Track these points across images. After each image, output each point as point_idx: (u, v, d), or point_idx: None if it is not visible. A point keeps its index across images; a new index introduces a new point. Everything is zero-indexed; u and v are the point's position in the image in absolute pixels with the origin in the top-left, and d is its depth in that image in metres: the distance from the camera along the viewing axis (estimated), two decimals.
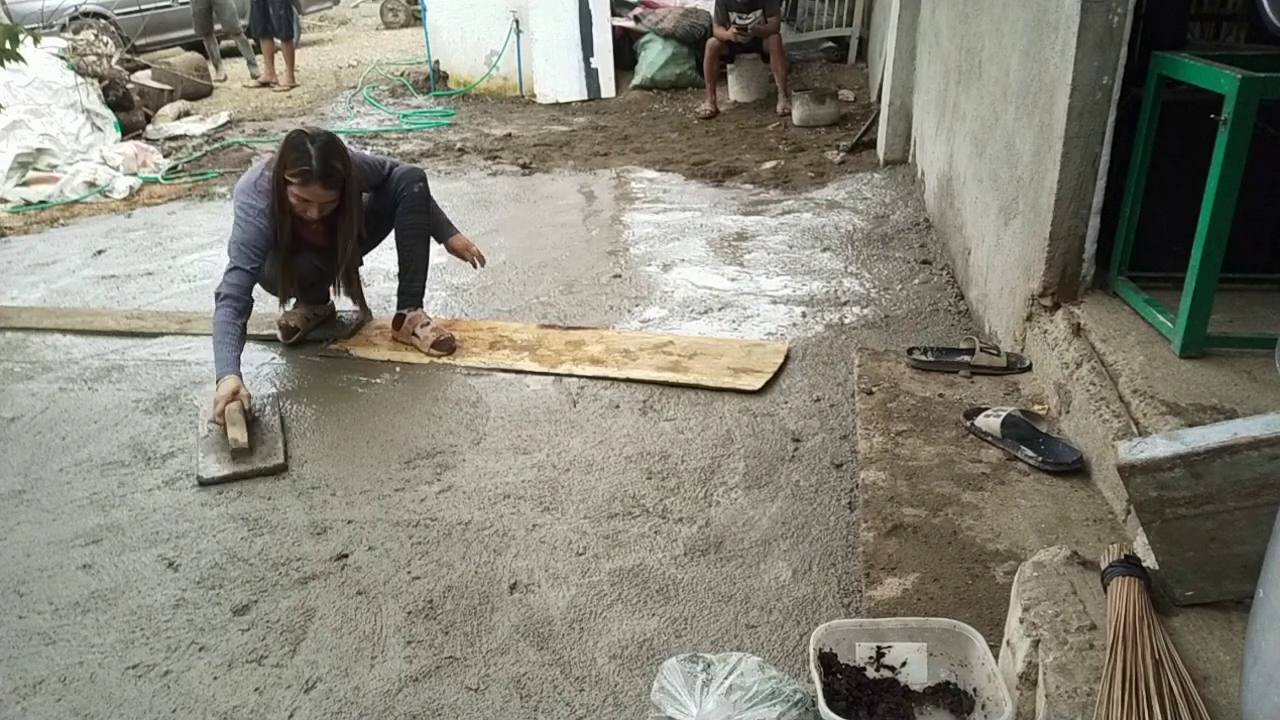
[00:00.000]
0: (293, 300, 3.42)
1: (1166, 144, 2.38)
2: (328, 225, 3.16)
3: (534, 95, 8.11)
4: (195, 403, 3.03)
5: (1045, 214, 2.53)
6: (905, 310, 3.49)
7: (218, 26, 9.69)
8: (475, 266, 3.54)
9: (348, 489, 2.55)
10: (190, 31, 9.97)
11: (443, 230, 3.52)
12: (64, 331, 3.69)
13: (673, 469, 2.56)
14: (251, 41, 9.66)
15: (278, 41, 8.98)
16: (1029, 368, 2.71)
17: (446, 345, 3.29)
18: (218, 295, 2.94)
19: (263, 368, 3.29)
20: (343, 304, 3.61)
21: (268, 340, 3.45)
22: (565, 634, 1.98)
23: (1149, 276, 2.50)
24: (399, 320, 3.39)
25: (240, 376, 2.85)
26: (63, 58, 6.76)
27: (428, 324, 3.34)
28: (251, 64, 9.65)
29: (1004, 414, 2.34)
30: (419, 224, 3.38)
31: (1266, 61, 2.06)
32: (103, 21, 9.95)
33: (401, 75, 9.16)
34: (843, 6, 7.95)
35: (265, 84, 9.14)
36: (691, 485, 2.48)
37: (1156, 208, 2.46)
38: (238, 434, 2.67)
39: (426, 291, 3.47)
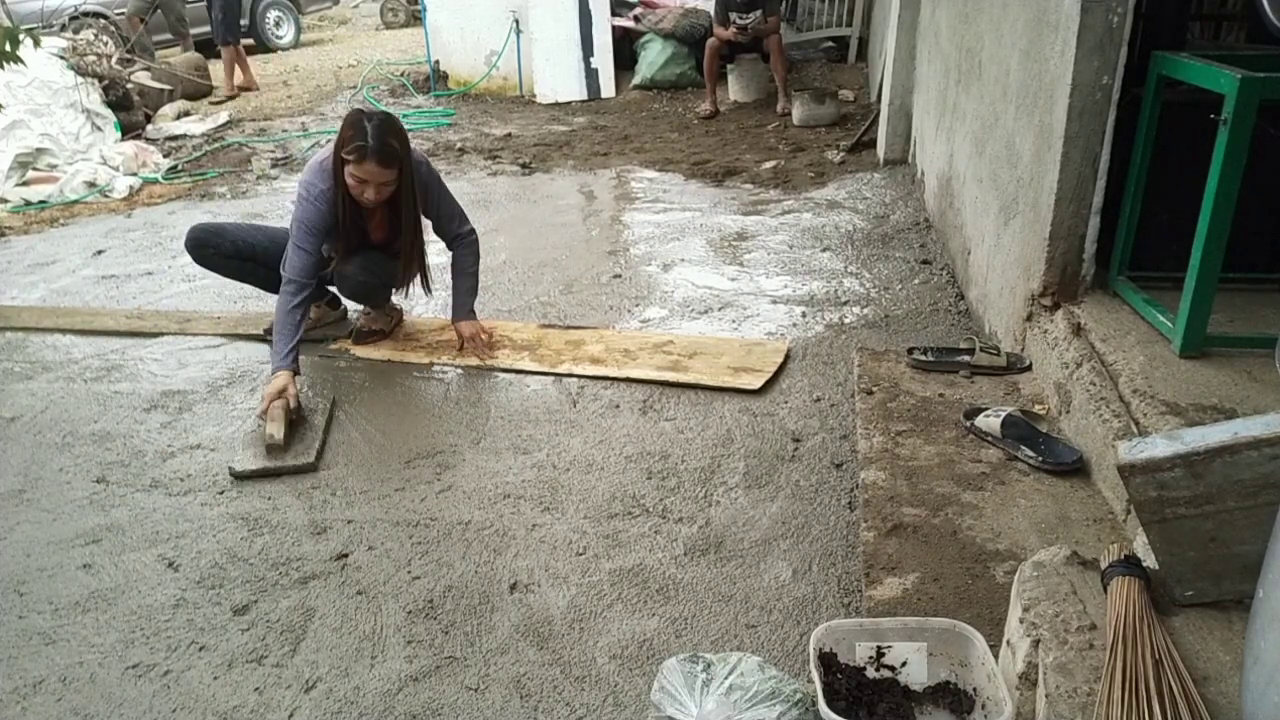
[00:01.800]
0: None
1: (1166, 144, 2.38)
2: (389, 217, 3.12)
3: (534, 95, 8.11)
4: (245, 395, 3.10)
5: (1045, 214, 2.53)
6: (905, 310, 3.49)
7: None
8: (479, 359, 3.28)
9: (348, 489, 2.55)
10: (200, 30, 9.94)
11: (454, 300, 3.41)
12: (64, 331, 3.69)
13: (673, 469, 2.56)
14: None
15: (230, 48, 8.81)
16: (1029, 368, 2.71)
17: (366, 336, 3.37)
18: (282, 278, 2.99)
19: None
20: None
21: (308, 340, 3.45)
22: (565, 634, 1.98)
23: (1149, 276, 2.50)
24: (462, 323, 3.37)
25: (293, 372, 2.87)
26: (63, 58, 6.76)
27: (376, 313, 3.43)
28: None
29: (1004, 414, 2.34)
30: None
31: (1266, 61, 2.06)
32: (102, 21, 9.96)
33: (401, 75, 9.15)
34: (843, 6, 7.95)
35: (230, 96, 8.78)
36: (691, 485, 2.48)
37: (1156, 208, 2.46)
38: (274, 430, 2.71)
39: (429, 290, 3.47)
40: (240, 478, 2.62)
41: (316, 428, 2.84)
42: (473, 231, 3.37)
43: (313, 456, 2.69)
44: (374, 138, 2.86)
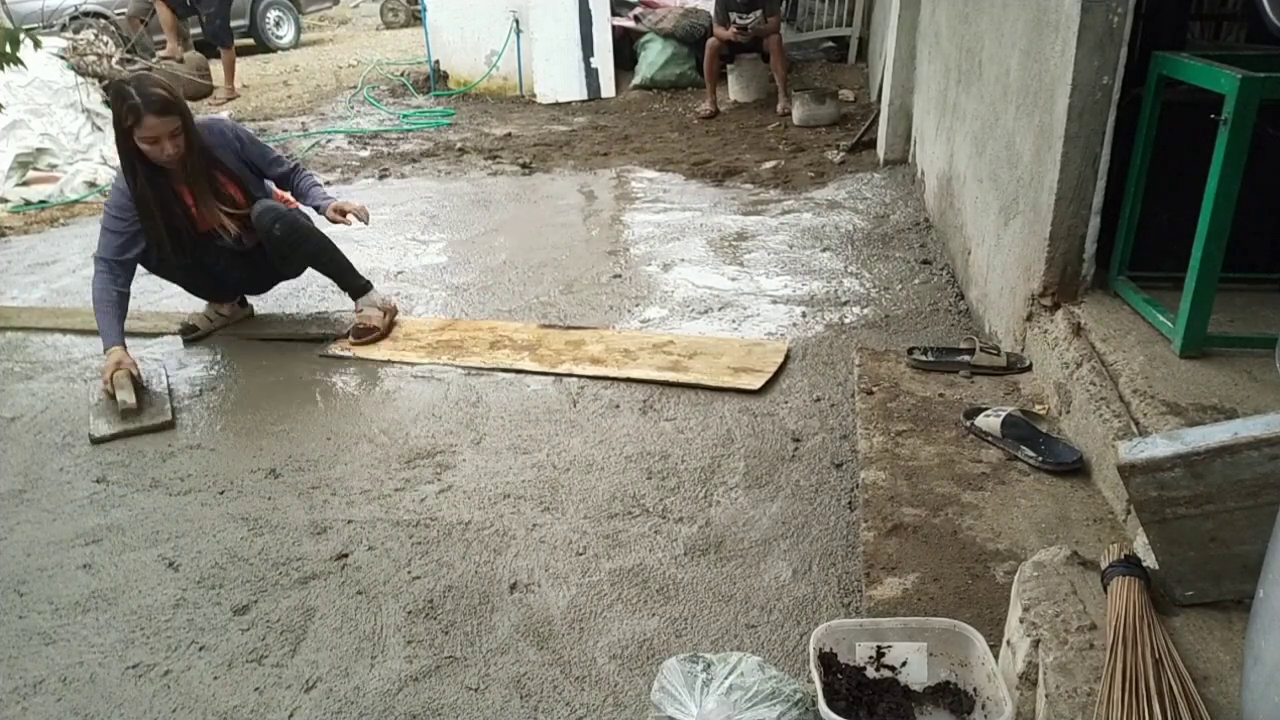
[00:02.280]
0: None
1: (1166, 144, 2.38)
2: (191, 182, 3.18)
3: (534, 95, 8.11)
4: (86, 380, 3.26)
5: (1045, 214, 2.53)
6: (905, 310, 3.49)
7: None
8: (361, 221, 3.39)
9: (348, 489, 2.55)
10: (196, 30, 9.92)
11: (316, 204, 3.43)
12: (64, 331, 3.69)
13: (673, 469, 2.56)
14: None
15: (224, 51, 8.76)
16: (1029, 368, 2.71)
17: (364, 334, 3.41)
18: (97, 266, 3.17)
19: (264, 364, 3.29)
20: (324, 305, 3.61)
21: (308, 340, 3.47)
22: (565, 634, 1.98)
23: (1149, 276, 2.49)
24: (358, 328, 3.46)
25: (124, 347, 3.10)
26: (63, 57, 6.76)
27: (368, 310, 3.49)
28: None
29: (1004, 414, 2.34)
30: (310, 251, 3.44)
31: (1266, 61, 2.06)
32: (103, 21, 9.95)
33: (401, 75, 9.15)
34: (843, 6, 7.95)
35: (230, 96, 8.67)
36: (691, 485, 2.48)
37: (1156, 208, 2.46)
38: (125, 395, 2.92)
39: (425, 290, 3.47)
40: (100, 442, 2.81)
41: (163, 392, 3.08)
42: (299, 164, 3.45)
43: (169, 415, 2.93)
44: (140, 94, 2.95)
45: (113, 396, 2.95)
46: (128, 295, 3.21)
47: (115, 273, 3.17)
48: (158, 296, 4.04)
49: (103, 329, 3.11)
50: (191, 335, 3.53)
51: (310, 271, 3.61)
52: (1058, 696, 1.35)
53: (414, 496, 2.50)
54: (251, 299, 3.77)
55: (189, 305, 3.90)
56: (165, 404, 3.00)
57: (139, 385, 3.02)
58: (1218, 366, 2.14)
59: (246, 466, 2.69)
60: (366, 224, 3.40)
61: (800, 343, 3.27)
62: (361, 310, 3.50)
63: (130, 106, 2.94)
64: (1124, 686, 1.30)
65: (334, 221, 3.35)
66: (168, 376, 3.20)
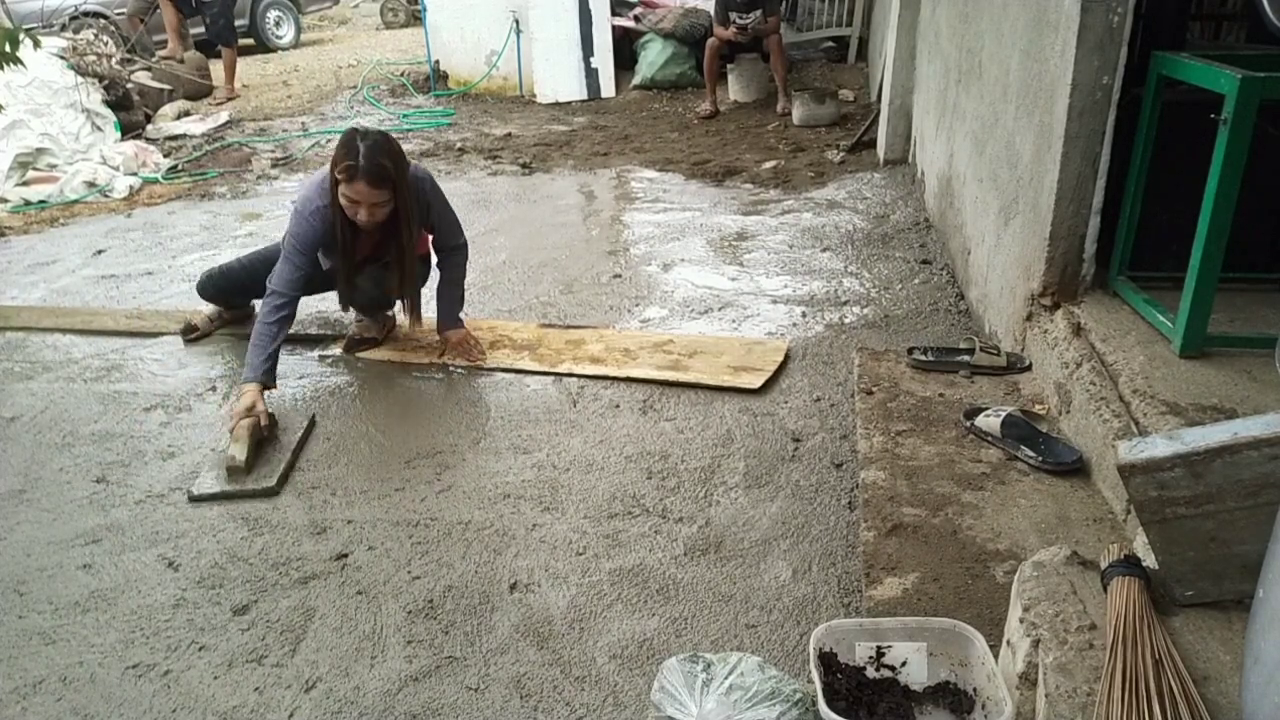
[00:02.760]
0: (352, 312, 3.45)
1: (1166, 144, 2.38)
2: (384, 236, 3.09)
3: (534, 95, 8.11)
4: (221, 411, 3.00)
5: (1045, 214, 2.53)
6: (905, 310, 3.49)
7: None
8: (464, 367, 3.27)
9: (348, 489, 2.55)
10: (197, 30, 9.92)
11: (441, 312, 3.38)
12: (64, 331, 3.69)
13: (673, 469, 2.56)
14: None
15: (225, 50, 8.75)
16: (1029, 367, 2.71)
17: (359, 345, 3.39)
18: (266, 288, 2.95)
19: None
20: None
21: (308, 340, 3.49)
22: (565, 634, 1.98)
23: (1149, 276, 2.50)
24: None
25: (263, 386, 2.81)
26: (63, 57, 6.75)
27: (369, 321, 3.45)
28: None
29: (1004, 414, 2.34)
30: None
31: (1266, 61, 2.06)
32: (103, 21, 9.94)
33: (401, 75, 9.15)
34: (843, 6, 7.95)
35: (230, 96, 8.60)
36: (691, 485, 2.48)
37: (1156, 208, 2.46)
38: (237, 451, 2.61)
39: (424, 290, 3.46)
40: (197, 501, 2.52)
41: (286, 447, 2.72)
42: (465, 245, 3.36)
43: (274, 480, 2.56)
44: (365, 158, 2.82)
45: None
46: (290, 322, 2.98)
47: (283, 303, 2.93)
48: (157, 297, 4.05)
49: (251, 360, 2.83)
50: (192, 335, 3.53)
51: None
52: (1058, 696, 1.35)
53: (414, 496, 2.50)
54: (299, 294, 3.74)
55: (189, 305, 3.90)
56: (279, 464, 2.63)
57: (261, 435, 2.72)
58: (1218, 366, 2.14)
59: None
60: (469, 369, 3.24)
61: (800, 342, 3.27)
62: (362, 320, 3.47)
63: (349, 166, 2.82)
64: (1124, 686, 1.30)
65: (440, 348, 3.30)
66: (307, 429, 2.85)
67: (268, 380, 2.84)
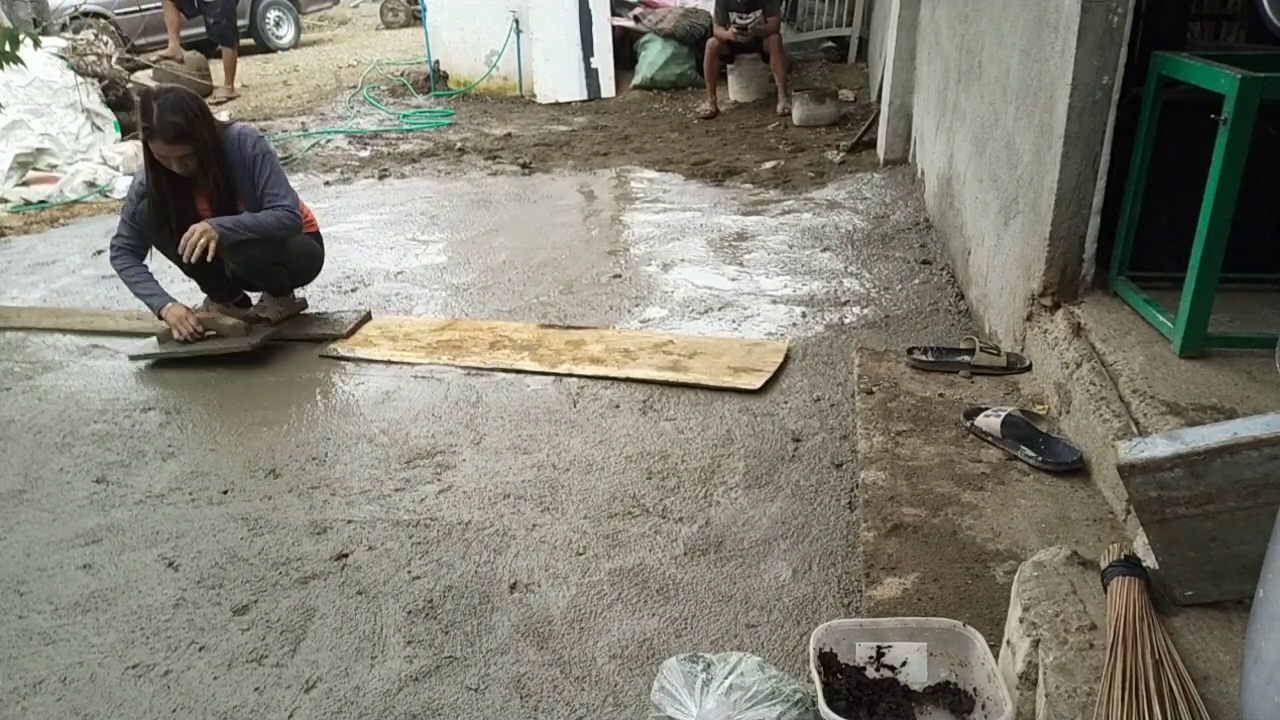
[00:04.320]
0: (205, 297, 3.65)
1: (1166, 144, 2.38)
2: (216, 193, 3.24)
3: (534, 95, 8.11)
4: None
5: (1045, 214, 2.53)
6: (905, 310, 3.49)
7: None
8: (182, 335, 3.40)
9: (348, 489, 2.55)
10: (194, 30, 9.91)
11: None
12: (64, 331, 3.69)
13: (673, 469, 2.56)
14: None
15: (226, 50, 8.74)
16: (1029, 368, 2.71)
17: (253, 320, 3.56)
18: (111, 251, 3.31)
19: (260, 367, 3.29)
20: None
21: (308, 340, 3.47)
22: (565, 634, 1.98)
23: (1149, 276, 2.49)
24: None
25: (174, 302, 3.28)
26: (63, 57, 6.75)
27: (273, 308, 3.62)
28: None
29: (1004, 414, 2.34)
30: (264, 218, 3.38)
31: (1266, 61, 2.06)
32: (103, 21, 9.94)
33: (401, 75, 9.15)
34: (843, 6, 7.95)
35: (230, 96, 8.62)
36: (691, 485, 2.48)
37: (1156, 208, 2.46)
38: (230, 320, 3.25)
39: (425, 290, 3.47)
40: (135, 359, 3.08)
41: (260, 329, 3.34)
42: (292, 207, 3.36)
43: (258, 339, 3.25)
44: (157, 117, 3.02)
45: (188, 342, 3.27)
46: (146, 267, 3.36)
47: (134, 252, 3.32)
48: None
49: (150, 293, 3.30)
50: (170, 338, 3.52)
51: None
52: (1058, 696, 1.35)
53: (414, 496, 2.50)
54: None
55: (188, 304, 3.89)
56: (260, 334, 3.29)
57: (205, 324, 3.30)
58: (1218, 366, 2.14)
59: (246, 466, 2.69)
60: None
61: (800, 343, 3.27)
62: (263, 303, 3.63)
63: (145, 127, 3.05)
64: (1124, 686, 1.30)
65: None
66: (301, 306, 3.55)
67: (171, 299, 3.31)
